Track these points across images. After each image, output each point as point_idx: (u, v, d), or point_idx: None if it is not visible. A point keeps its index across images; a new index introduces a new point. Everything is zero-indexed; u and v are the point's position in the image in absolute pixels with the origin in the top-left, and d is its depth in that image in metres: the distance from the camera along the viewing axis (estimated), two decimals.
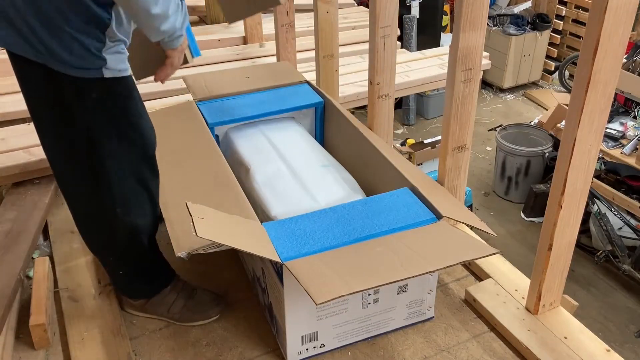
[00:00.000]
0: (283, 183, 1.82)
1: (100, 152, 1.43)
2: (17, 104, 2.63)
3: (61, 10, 1.24)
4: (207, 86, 2.27)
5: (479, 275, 1.89)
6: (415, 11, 4.71)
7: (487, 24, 1.92)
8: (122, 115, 1.43)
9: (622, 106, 3.77)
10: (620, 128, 3.64)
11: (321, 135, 2.27)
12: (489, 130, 4.58)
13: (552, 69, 5.41)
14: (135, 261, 1.66)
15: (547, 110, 4.59)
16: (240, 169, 1.95)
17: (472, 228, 1.94)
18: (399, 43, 3.45)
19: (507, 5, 5.58)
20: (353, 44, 3.62)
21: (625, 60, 3.73)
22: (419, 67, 3.32)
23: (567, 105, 1.74)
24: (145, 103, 1.54)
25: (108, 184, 1.47)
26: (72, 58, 1.28)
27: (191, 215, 1.31)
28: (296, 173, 1.87)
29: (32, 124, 2.50)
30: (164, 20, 1.33)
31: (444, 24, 5.10)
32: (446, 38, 5.00)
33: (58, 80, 1.31)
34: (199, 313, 1.73)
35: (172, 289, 1.73)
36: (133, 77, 1.45)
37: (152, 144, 1.54)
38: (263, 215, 1.72)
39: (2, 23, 1.28)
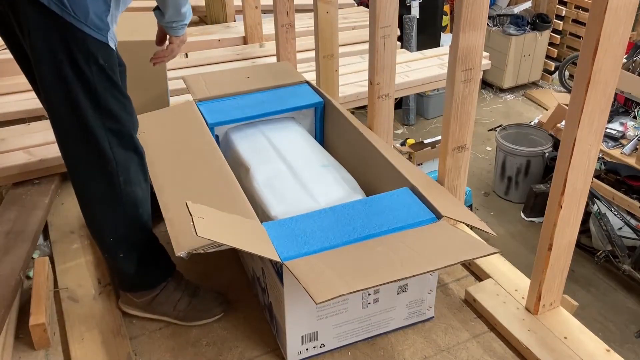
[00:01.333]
0: (283, 183, 1.82)
1: (103, 118, 1.47)
2: (18, 104, 2.63)
3: None
4: (207, 86, 2.27)
5: (479, 275, 1.89)
6: (415, 11, 4.72)
7: (487, 24, 1.92)
8: (117, 87, 1.48)
9: (622, 106, 3.77)
10: (620, 128, 3.64)
11: (321, 135, 2.27)
12: (489, 130, 4.58)
13: (552, 69, 5.41)
14: (141, 240, 1.66)
15: (547, 110, 4.59)
16: (240, 169, 1.95)
17: (472, 228, 1.94)
18: (399, 43, 3.46)
19: (507, 5, 5.58)
20: (353, 44, 3.62)
21: (625, 60, 3.74)
22: (419, 67, 3.32)
23: (567, 105, 1.74)
24: None
25: (111, 150, 1.50)
26: (89, 16, 1.35)
27: (191, 215, 1.31)
28: (296, 173, 1.87)
29: (32, 124, 2.53)
30: (186, 3, 1.54)
31: (444, 24, 5.11)
32: (446, 38, 5.01)
33: (72, 38, 1.36)
34: (204, 311, 1.73)
35: (177, 286, 1.73)
36: None
37: (136, 124, 1.61)
38: (263, 215, 1.72)
39: None
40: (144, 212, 1.64)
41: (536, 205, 3.69)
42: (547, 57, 5.40)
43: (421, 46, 4.52)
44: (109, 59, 1.42)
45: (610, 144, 3.57)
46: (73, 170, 1.56)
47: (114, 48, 1.44)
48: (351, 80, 3.05)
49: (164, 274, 1.73)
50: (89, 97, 1.42)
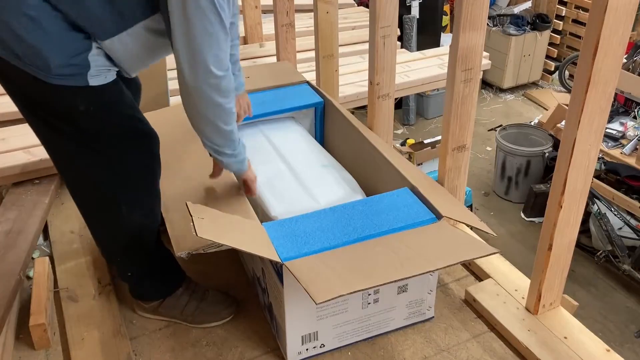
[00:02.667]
0: (283, 183, 1.82)
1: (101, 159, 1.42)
2: None
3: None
4: None
5: (479, 275, 1.89)
6: (415, 11, 4.71)
7: (487, 24, 1.92)
8: (112, 125, 1.41)
9: (622, 106, 3.77)
10: (620, 128, 3.64)
11: (321, 135, 2.27)
12: (489, 130, 4.58)
13: (552, 69, 5.41)
14: (142, 260, 1.65)
15: (547, 110, 4.58)
16: None
17: (472, 228, 1.94)
18: (399, 43, 3.45)
19: (507, 5, 5.57)
20: (353, 44, 3.62)
21: (625, 60, 3.73)
22: (419, 67, 3.32)
23: (567, 105, 1.74)
24: None
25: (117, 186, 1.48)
26: (51, 67, 1.26)
27: (191, 215, 1.31)
28: (296, 173, 1.87)
29: None
30: (213, 135, 1.45)
31: (444, 24, 5.10)
32: (446, 38, 5.00)
33: (41, 91, 1.30)
34: (212, 314, 1.73)
35: (185, 290, 1.73)
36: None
37: (156, 138, 1.51)
38: (263, 215, 1.72)
39: None
40: (148, 236, 1.62)
41: (536, 205, 3.68)
42: (547, 57, 5.40)
43: (421, 46, 4.51)
44: (96, 97, 1.33)
45: (610, 144, 3.57)
46: (81, 202, 1.55)
47: (101, 84, 1.33)
48: (351, 80, 3.05)
49: (173, 285, 1.73)
50: (84, 145, 1.39)
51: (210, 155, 1.55)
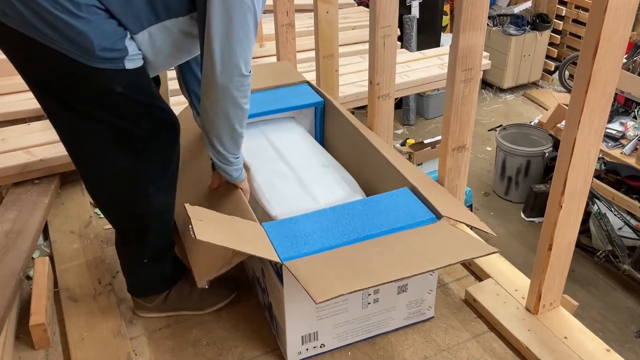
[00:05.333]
0: (283, 183, 1.82)
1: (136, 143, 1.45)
2: (18, 104, 2.63)
3: None
4: None
5: (479, 275, 1.89)
6: (415, 11, 4.71)
7: (487, 24, 1.92)
8: (144, 103, 1.44)
9: (622, 106, 3.77)
10: (620, 128, 3.64)
11: (321, 135, 2.27)
12: (489, 130, 4.58)
13: (552, 69, 5.41)
14: (162, 243, 1.65)
15: (547, 110, 4.59)
16: None
17: (471, 228, 1.94)
18: (399, 43, 3.46)
19: (507, 5, 5.57)
20: (353, 44, 3.62)
21: (625, 60, 3.73)
22: (419, 67, 3.33)
23: (567, 105, 1.74)
24: None
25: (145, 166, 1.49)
26: (94, 51, 1.30)
27: (190, 218, 1.31)
28: (296, 173, 1.87)
29: (32, 124, 2.53)
30: (221, 139, 1.53)
31: (444, 24, 5.10)
32: (446, 38, 5.00)
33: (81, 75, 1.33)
34: (217, 295, 1.75)
35: (185, 280, 1.73)
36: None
37: (177, 123, 1.54)
38: (263, 215, 1.72)
39: None
40: (170, 218, 1.64)
41: (536, 205, 3.69)
42: (547, 57, 5.40)
43: (421, 46, 4.51)
44: (132, 80, 1.37)
45: (610, 144, 3.57)
46: (106, 188, 1.53)
47: (137, 66, 1.38)
48: (351, 80, 3.05)
49: (179, 275, 1.74)
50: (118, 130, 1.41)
51: (213, 163, 1.62)
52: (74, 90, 1.35)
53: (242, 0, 1.33)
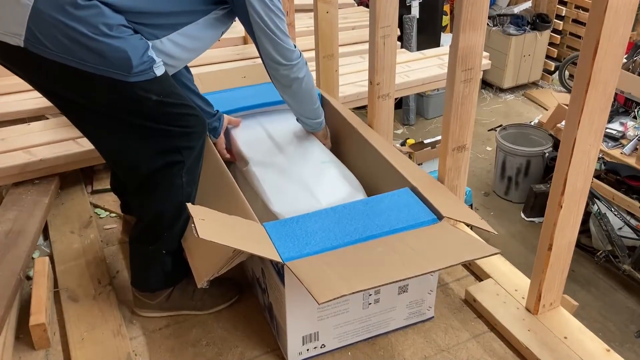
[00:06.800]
0: (284, 180, 1.82)
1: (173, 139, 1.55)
2: (18, 104, 2.63)
3: None
4: (203, 85, 2.26)
5: (479, 275, 1.89)
6: (415, 11, 4.71)
7: (487, 24, 1.91)
8: (176, 105, 1.54)
9: (622, 106, 3.77)
10: (620, 128, 3.64)
11: None
12: (489, 130, 4.58)
13: (552, 69, 5.41)
14: (179, 236, 1.69)
15: (547, 110, 4.59)
16: (240, 163, 1.95)
17: (472, 228, 1.94)
18: (399, 43, 3.45)
19: (507, 5, 5.57)
20: (353, 44, 3.61)
21: (625, 60, 3.73)
22: (419, 67, 3.32)
23: (567, 105, 1.74)
24: None
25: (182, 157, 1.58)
26: (132, 68, 1.43)
27: (192, 217, 1.31)
28: (296, 169, 1.86)
29: (32, 124, 2.53)
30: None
31: (444, 24, 5.10)
32: (446, 38, 5.00)
33: (124, 92, 1.43)
34: (219, 297, 1.77)
35: (189, 279, 1.73)
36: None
37: (204, 122, 1.65)
38: (264, 211, 1.71)
39: None
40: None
41: (536, 205, 3.69)
42: (547, 57, 5.40)
43: (421, 46, 4.51)
44: (162, 86, 1.47)
45: (610, 144, 3.57)
46: (142, 183, 1.60)
47: (163, 72, 1.48)
48: (351, 80, 3.05)
49: (180, 276, 1.74)
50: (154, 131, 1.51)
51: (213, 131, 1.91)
52: (113, 107, 1.45)
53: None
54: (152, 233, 1.67)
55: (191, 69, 1.93)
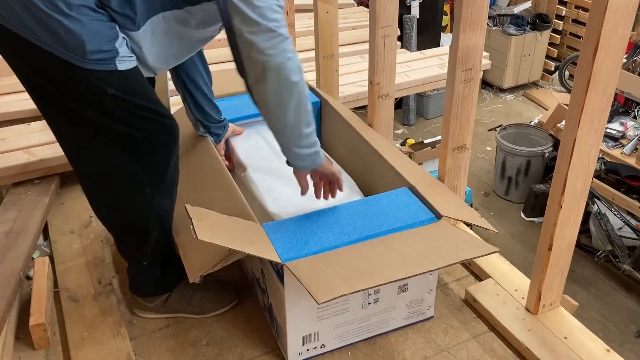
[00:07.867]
0: (281, 182, 1.82)
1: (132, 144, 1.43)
2: (18, 104, 2.63)
3: None
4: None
5: (479, 275, 1.89)
6: (415, 11, 4.71)
7: (487, 24, 1.92)
8: (139, 105, 1.42)
9: (622, 106, 3.77)
10: (620, 128, 3.64)
11: (318, 136, 2.26)
12: (489, 130, 4.58)
13: (552, 69, 5.41)
14: (161, 246, 1.65)
15: (547, 110, 4.58)
16: (238, 169, 1.95)
17: (471, 227, 1.94)
18: (399, 43, 3.46)
19: (507, 5, 5.57)
20: (353, 44, 3.62)
21: (625, 60, 3.73)
22: (419, 67, 3.33)
23: (567, 105, 1.74)
24: None
25: (141, 168, 1.48)
26: (86, 53, 1.31)
27: (191, 218, 1.31)
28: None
29: (32, 124, 2.53)
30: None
31: (444, 24, 5.10)
32: (446, 38, 5.00)
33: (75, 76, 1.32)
34: (217, 301, 1.75)
35: (187, 284, 1.73)
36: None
37: (174, 125, 1.52)
38: (261, 211, 1.71)
39: None
40: (169, 221, 1.63)
41: (536, 205, 3.69)
42: (547, 57, 5.40)
43: (421, 46, 4.51)
44: (124, 82, 1.36)
45: (610, 144, 3.57)
46: (102, 190, 1.53)
47: (129, 68, 1.37)
48: (351, 80, 3.05)
49: (179, 277, 1.73)
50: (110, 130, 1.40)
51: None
52: (67, 93, 1.34)
53: None
54: (124, 248, 1.65)
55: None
